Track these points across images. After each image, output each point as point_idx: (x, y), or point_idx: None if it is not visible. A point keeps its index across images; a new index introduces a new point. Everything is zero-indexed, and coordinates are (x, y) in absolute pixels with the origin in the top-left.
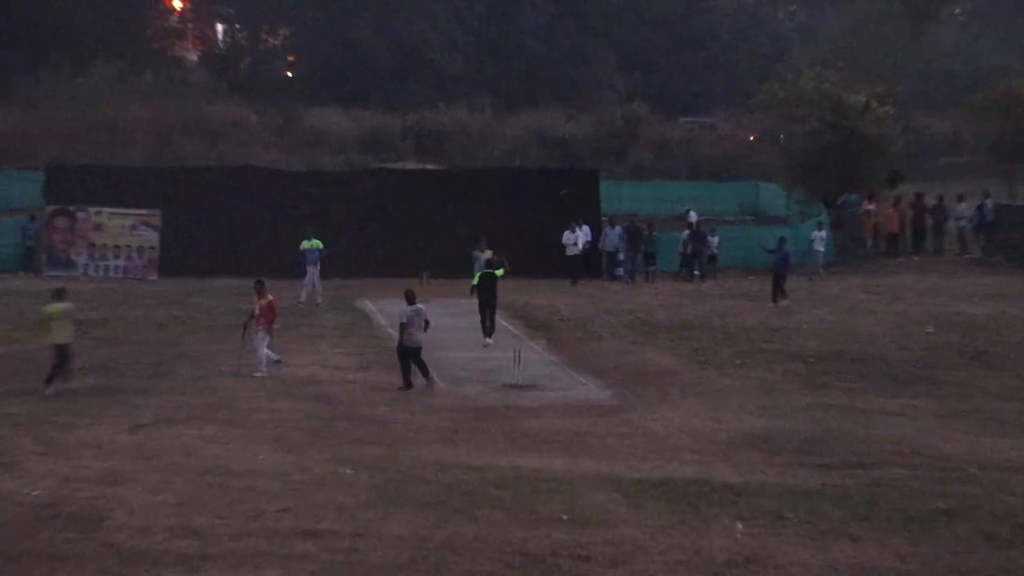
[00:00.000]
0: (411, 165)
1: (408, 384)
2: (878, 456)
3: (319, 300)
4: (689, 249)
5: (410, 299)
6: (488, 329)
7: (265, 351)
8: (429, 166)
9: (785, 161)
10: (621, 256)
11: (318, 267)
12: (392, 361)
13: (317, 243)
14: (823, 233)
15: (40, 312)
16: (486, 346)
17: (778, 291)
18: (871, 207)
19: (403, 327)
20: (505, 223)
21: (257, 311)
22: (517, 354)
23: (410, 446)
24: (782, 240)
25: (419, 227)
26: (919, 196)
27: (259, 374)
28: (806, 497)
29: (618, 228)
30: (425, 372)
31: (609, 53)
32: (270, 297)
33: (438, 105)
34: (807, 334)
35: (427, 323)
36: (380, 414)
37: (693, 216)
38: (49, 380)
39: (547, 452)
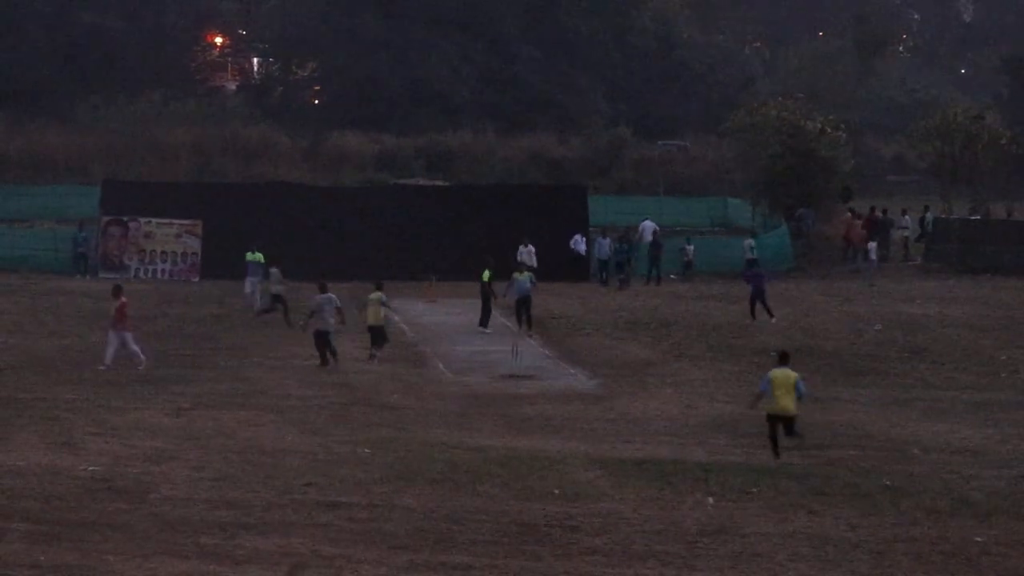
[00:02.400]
0: (422, 182)
1: (324, 362)
2: (832, 439)
3: (257, 309)
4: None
5: (322, 289)
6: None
7: (132, 348)
8: (438, 183)
9: (750, 179)
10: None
11: (260, 278)
12: (404, 353)
13: (259, 256)
14: (752, 242)
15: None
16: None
17: (756, 308)
18: (857, 220)
19: (314, 312)
20: (504, 233)
21: (113, 312)
22: (515, 348)
23: (419, 429)
24: (752, 262)
25: (429, 236)
26: (872, 210)
27: (102, 367)
28: (769, 475)
29: (608, 239)
30: (334, 353)
31: (596, 83)
32: (123, 299)
33: (446, 129)
34: (770, 331)
35: (339, 309)
36: (393, 401)
37: (648, 227)
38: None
39: (541, 435)
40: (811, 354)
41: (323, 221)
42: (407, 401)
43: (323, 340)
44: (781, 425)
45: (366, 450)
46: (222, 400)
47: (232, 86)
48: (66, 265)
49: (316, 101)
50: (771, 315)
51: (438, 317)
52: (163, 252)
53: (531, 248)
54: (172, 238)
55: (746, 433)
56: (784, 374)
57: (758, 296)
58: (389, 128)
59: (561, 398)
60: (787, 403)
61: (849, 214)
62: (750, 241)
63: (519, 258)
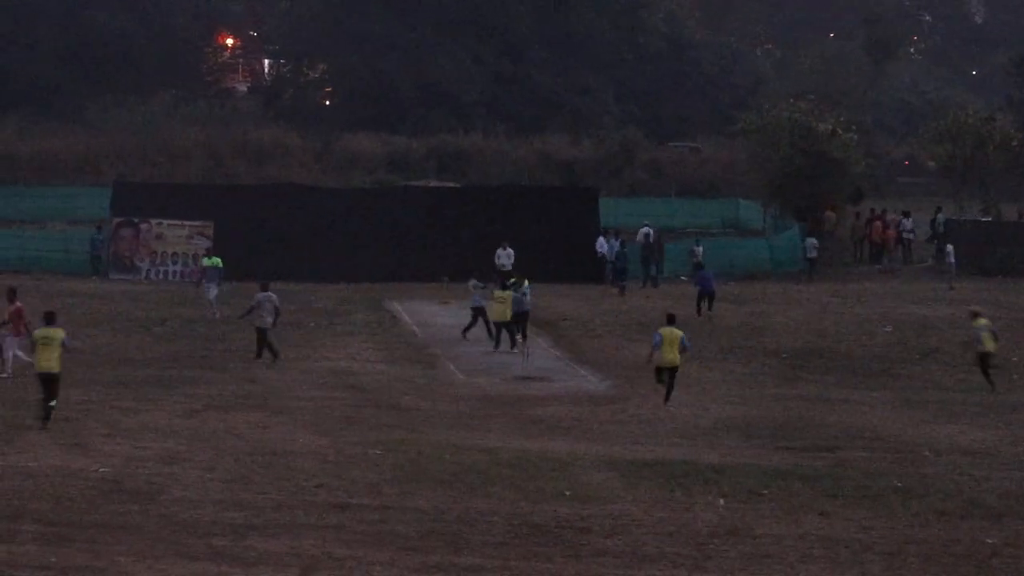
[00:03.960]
0: (433, 183)
1: (259, 355)
2: (843, 440)
3: (216, 315)
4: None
5: (263, 288)
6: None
7: (16, 353)
8: (449, 184)
9: (762, 180)
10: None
11: (218, 284)
12: (415, 355)
13: (217, 261)
14: (701, 248)
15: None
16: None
17: (702, 305)
18: (878, 220)
19: (253, 309)
20: (514, 234)
21: (7, 317)
22: (525, 349)
23: (430, 430)
24: (699, 265)
25: (440, 237)
26: (884, 212)
27: (4, 375)
28: (780, 476)
29: (618, 240)
30: (273, 351)
31: (608, 85)
32: (18, 304)
33: (457, 130)
34: (781, 333)
35: (277, 308)
36: (404, 402)
37: (649, 232)
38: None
39: (552, 436)
40: (822, 356)
41: (334, 223)
42: (418, 402)
43: (262, 336)
44: (668, 373)
45: (377, 451)
46: (233, 401)
47: (243, 88)
48: (76, 266)
49: (327, 102)
50: (706, 312)
51: (450, 318)
52: (174, 254)
53: (510, 251)
54: (183, 240)
55: (757, 435)
56: (671, 332)
57: (707, 295)
58: (400, 129)
59: (572, 400)
60: (673, 356)
61: (876, 215)
62: (699, 248)
63: (497, 261)
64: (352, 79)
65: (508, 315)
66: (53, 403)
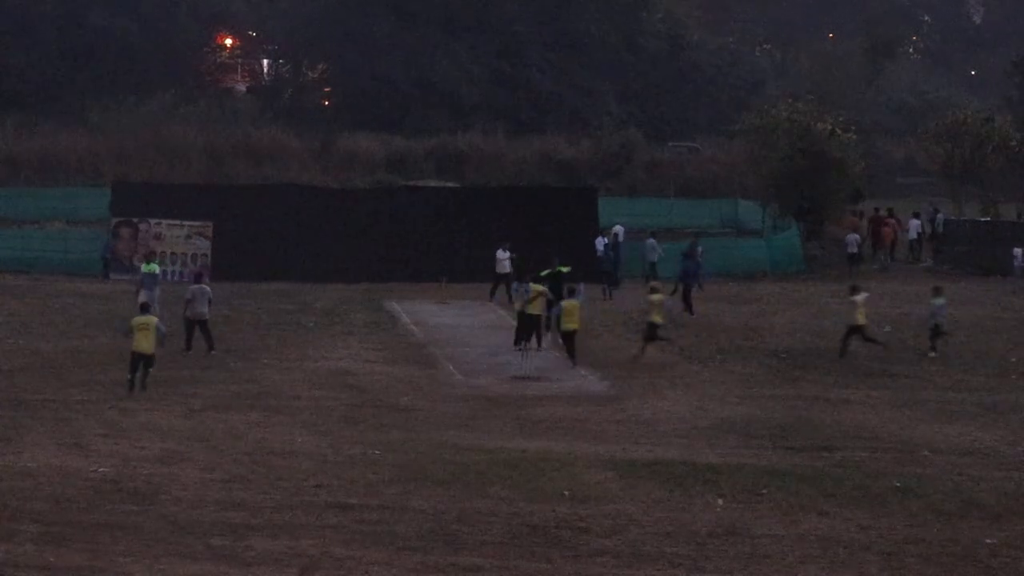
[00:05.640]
0: (432, 183)
1: (188, 347)
2: (842, 440)
3: None
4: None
5: (198, 279)
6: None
7: None
8: (448, 184)
9: (761, 181)
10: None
11: (156, 291)
12: (414, 355)
13: (154, 267)
14: (700, 248)
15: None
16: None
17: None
18: (891, 220)
19: (188, 302)
20: (514, 234)
21: None
22: (525, 349)
23: (430, 430)
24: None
25: (439, 237)
26: (891, 211)
27: None
28: (779, 476)
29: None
30: (209, 341)
31: (607, 86)
32: None
33: (456, 131)
34: (780, 333)
35: (210, 300)
36: (404, 402)
37: (620, 231)
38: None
39: (551, 436)
40: (821, 355)
41: (333, 223)
42: (417, 403)
43: (193, 328)
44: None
45: (376, 451)
46: (232, 401)
47: (243, 88)
48: (76, 266)
49: (326, 103)
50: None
51: (449, 318)
52: (173, 253)
53: (508, 253)
54: (182, 240)
55: (756, 435)
56: (572, 304)
57: (687, 291)
58: (399, 130)
59: (571, 400)
60: (573, 324)
61: (887, 215)
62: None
63: (498, 263)
64: (351, 79)
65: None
66: (151, 369)
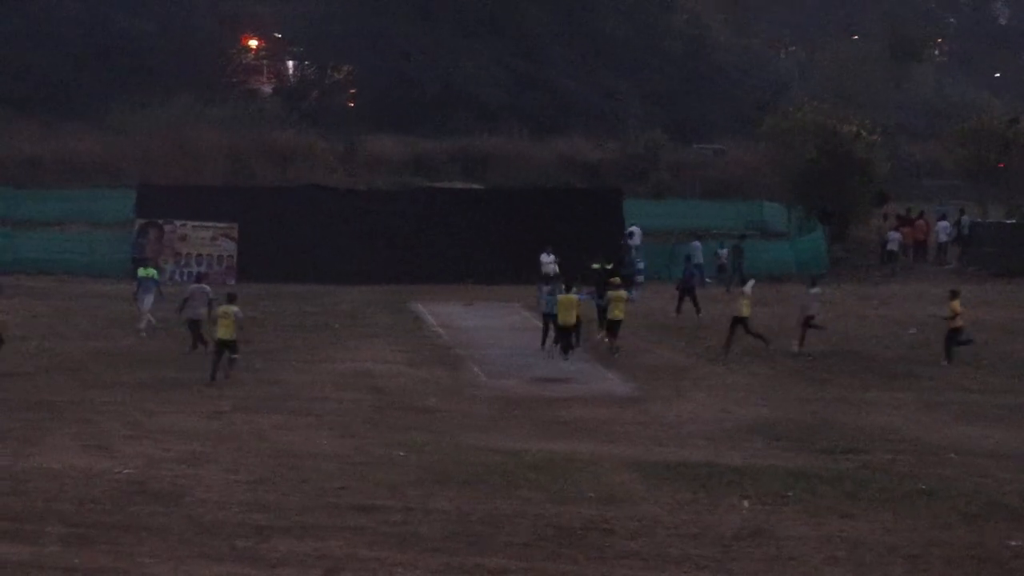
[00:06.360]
0: (457, 185)
1: (195, 346)
2: (867, 442)
3: (143, 330)
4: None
5: (199, 279)
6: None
7: None
8: (472, 186)
9: (786, 182)
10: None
11: (152, 296)
12: (439, 357)
13: (153, 272)
14: (726, 251)
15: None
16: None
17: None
18: (920, 221)
19: (186, 301)
20: (538, 236)
21: None
22: (549, 351)
23: (454, 432)
24: (688, 258)
25: (464, 239)
26: (922, 213)
27: None
28: (804, 478)
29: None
30: (203, 342)
31: (631, 87)
32: None
33: (480, 132)
34: (805, 335)
35: (210, 301)
36: (428, 404)
37: (636, 232)
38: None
39: (575, 438)
40: (845, 358)
41: (358, 224)
42: (442, 404)
43: (194, 328)
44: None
45: (400, 453)
46: (256, 403)
47: (268, 89)
48: (100, 268)
49: (351, 104)
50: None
51: (474, 320)
52: (199, 255)
53: (553, 257)
54: (207, 241)
55: (781, 436)
56: (568, 298)
57: (687, 290)
58: (423, 131)
59: (596, 402)
60: (569, 318)
61: (916, 216)
62: (697, 244)
63: (543, 267)
64: (376, 81)
65: (573, 319)
66: (236, 356)
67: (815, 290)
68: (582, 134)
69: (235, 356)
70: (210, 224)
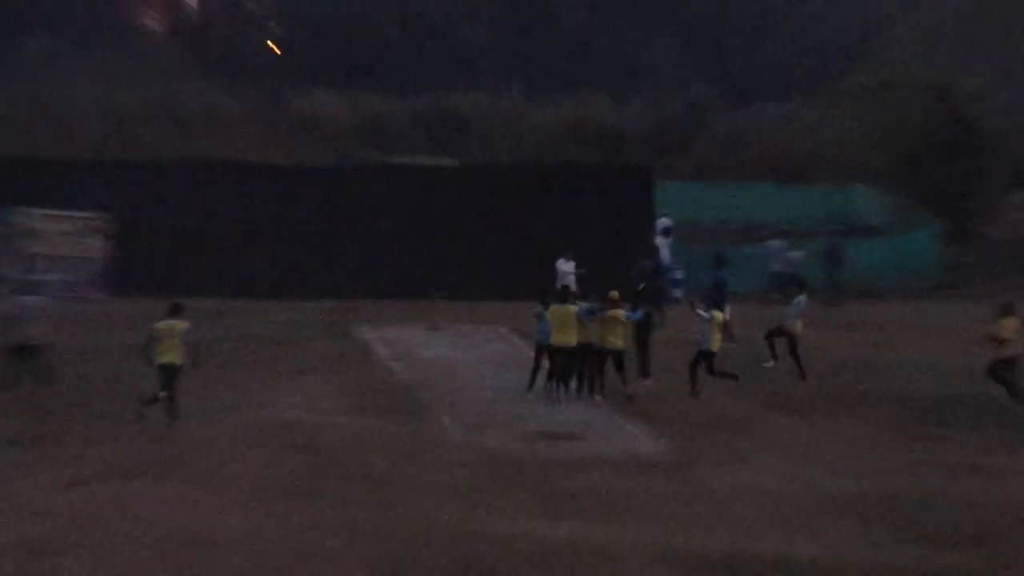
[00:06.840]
0: (422, 160)
1: (14, 384)
2: (1001, 527)
3: None
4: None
5: (28, 290)
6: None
7: None
8: (443, 162)
9: (883, 160)
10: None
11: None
12: (394, 402)
13: None
14: (799, 253)
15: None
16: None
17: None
18: None
19: (7, 322)
20: (537, 232)
21: None
22: (552, 393)
23: (417, 509)
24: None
25: (430, 236)
26: None
27: None
28: None
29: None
30: (44, 376)
31: (668, 27)
32: None
33: (455, 88)
34: (912, 372)
35: (49, 317)
36: (378, 469)
37: (667, 225)
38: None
39: (588, 518)
40: (966, 405)
41: (283, 215)
42: (397, 469)
43: (21, 356)
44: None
45: (339, 540)
46: (136, 466)
47: (157, 27)
48: None
49: (276, 50)
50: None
51: (442, 350)
52: (54, 257)
53: (572, 264)
54: (67, 238)
55: (877, 518)
56: (564, 310)
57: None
58: (375, 85)
59: (616, 466)
60: (569, 338)
61: None
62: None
63: (561, 277)
64: (311, 17)
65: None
66: (163, 393)
67: (801, 298)
68: (597, 92)
69: (163, 393)
70: (72, 214)
